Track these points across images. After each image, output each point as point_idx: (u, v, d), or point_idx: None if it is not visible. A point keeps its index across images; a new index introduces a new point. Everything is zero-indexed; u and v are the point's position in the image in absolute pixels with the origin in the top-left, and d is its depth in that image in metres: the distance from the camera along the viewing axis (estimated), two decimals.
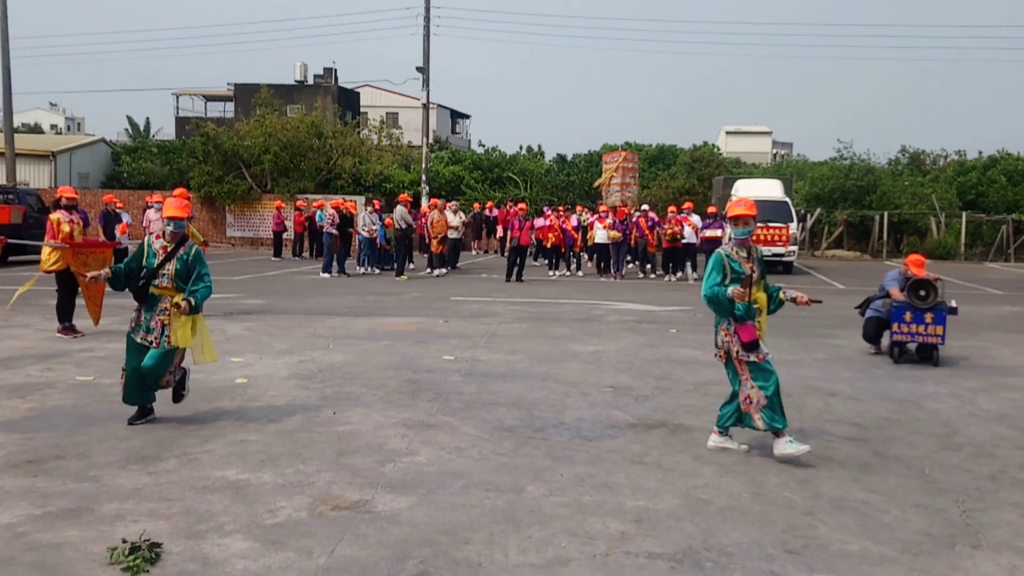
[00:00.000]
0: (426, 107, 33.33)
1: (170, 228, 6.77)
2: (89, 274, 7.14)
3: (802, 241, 31.80)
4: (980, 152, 39.49)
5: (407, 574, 4.19)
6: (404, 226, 21.54)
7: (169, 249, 6.75)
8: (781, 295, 6.34)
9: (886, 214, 33.51)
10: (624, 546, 4.59)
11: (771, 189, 25.57)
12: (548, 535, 4.71)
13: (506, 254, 22.46)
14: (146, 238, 6.89)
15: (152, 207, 19.34)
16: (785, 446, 6.09)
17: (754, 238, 22.42)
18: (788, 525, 4.93)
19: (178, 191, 6.73)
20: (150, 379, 6.74)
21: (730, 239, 6.45)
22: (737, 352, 6.20)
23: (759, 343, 6.18)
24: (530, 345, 10.95)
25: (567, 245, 22.84)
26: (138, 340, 6.72)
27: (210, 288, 6.85)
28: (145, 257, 6.75)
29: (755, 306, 6.21)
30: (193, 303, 6.64)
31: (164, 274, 6.73)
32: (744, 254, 6.29)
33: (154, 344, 6.69)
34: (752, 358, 6.17)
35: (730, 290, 6.11)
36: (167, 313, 6.70)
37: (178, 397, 7.14)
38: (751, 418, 6.20)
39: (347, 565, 4.27)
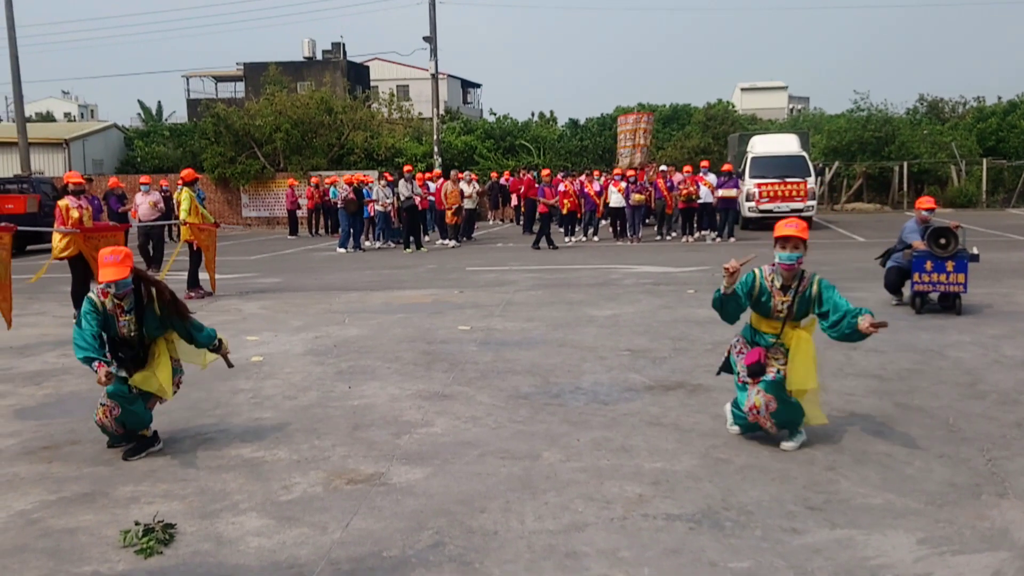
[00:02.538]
0: (435, 77, 33.03)
1: (112, 291, 5.46)
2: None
3: (821, 195, 31.42)
4: (999, 97, 38.90)
5: (422, 544, 4.15)
6: (406, 197, 21.06)
7: (126, 306, 5.55)
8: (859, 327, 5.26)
9: (905, 164, 33.06)
10: (641, 508, 4.52)
11: (788, 144, 25.24)
12: (564, 501, 4.65)
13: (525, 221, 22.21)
14: (88, 298, 5.58)
15: (141, 189, 18.64)
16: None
17: (771, 194, 22.03)
18: (809, 481, 4.84)
19: (108, 249, 5.37)
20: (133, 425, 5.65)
21: (773, 264, 5.52)
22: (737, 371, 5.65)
23: (762, 370, 5.46)
24: (546, 312, 10.87)
25: (588, 210, 22.59)
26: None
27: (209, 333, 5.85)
28: (103, 323, 5.57)
29: (774, 341, 5.51)
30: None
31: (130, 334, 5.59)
32: (779, 284, 5.48)
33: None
34: (749, 383, 5.51)
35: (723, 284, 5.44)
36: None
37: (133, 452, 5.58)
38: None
39: (361, 538, 4.24)
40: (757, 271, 5.60)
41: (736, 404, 5.64)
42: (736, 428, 5.70)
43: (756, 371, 5.47)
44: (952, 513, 4.33)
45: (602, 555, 4.00)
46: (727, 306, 5.59)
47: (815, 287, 5.44)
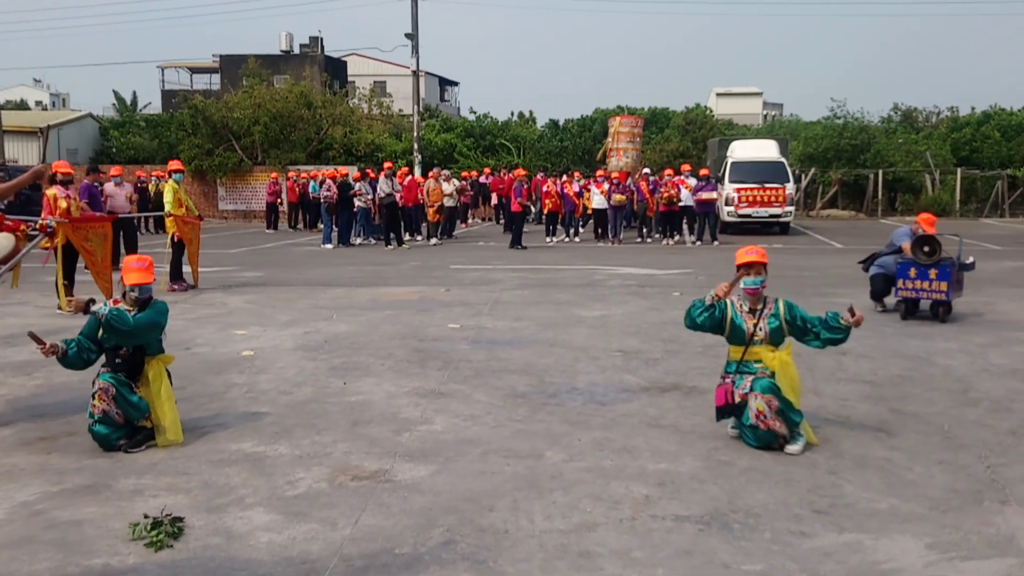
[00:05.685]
0: (416, 74, 32.90)
1: (135, 294, 5.62)
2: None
3: (797, 201, 31.68)
4: (973, 108, 39.20)
5: (434, 542, 4.15)
6: (386, 194, 20.82)
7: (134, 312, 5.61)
8: (841, 320, 5.59)
9: (880, 172, 33.40)
10: (650, 509, 4.55)
11: (767, 149, 25.41)
12: (572, 500, 4.67)
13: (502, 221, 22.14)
14: (92, 312, 5.64)
15: (112, 181, 17.56)
16: None
17: (751, 199, 22.19)
18: (813, 484, 4.89)
19: (134, 257, 5.82)
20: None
21: (740, 291, 5.78)
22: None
23: (733, 409, 5.58)
24: (534, 311, 10.88)
25: (567, 210, 22.65)
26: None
27: (161, 313, 5.70)
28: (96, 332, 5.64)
29: (756, 365, 5.62)
30: (99, 311, 5.50)
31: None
32: (747, 308, 5.73)
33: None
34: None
35: (709, 294, 5.67)
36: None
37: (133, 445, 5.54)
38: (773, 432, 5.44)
39: (373, 534, 4.22)
40: (728, 301, 5.78)
41: (740, 426, 5.62)
42: (735, 432, 5.74)
43: (727, 412, 5.66)
44: (957, 519, 4.40)
45: (615, 555, 4.01)
46: (706, 313, 5.70)
47: (782, 307, 5.73)
